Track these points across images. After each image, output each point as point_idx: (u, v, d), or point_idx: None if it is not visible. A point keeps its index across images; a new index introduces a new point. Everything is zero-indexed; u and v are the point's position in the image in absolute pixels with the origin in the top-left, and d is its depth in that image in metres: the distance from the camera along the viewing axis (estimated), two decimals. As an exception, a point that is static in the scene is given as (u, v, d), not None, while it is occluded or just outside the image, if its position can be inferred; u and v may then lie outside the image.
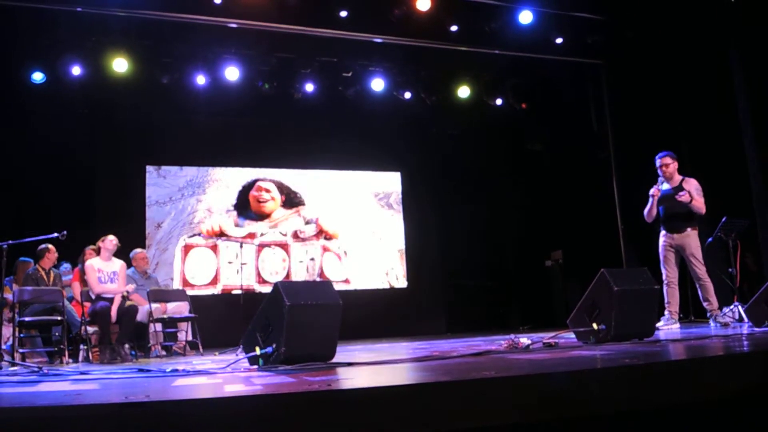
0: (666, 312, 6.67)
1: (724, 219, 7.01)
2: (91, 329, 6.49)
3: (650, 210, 6.74)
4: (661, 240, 6.77)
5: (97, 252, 6.82)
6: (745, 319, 6.08)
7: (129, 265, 7.56)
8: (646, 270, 5.03)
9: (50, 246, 7.04)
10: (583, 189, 10.37)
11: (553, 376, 2.87)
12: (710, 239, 7.27)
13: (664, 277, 6.67)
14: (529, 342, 4.69)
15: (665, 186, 6.75)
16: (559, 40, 9.13)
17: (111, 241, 6.72)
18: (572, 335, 5.09)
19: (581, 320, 4.90)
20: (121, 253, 7.30)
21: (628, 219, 9.43)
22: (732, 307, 6.88)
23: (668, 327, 6.55)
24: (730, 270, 7.11)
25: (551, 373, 2.94)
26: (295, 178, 10.79)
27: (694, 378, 3.09)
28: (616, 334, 4.66)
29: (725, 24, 7.99)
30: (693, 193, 6.56)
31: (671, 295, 6.65)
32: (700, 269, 6.57)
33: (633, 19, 8.77)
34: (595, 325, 4.73)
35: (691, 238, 6.63)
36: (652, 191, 6.71)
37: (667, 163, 6.75)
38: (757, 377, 3.14)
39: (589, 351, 4.14)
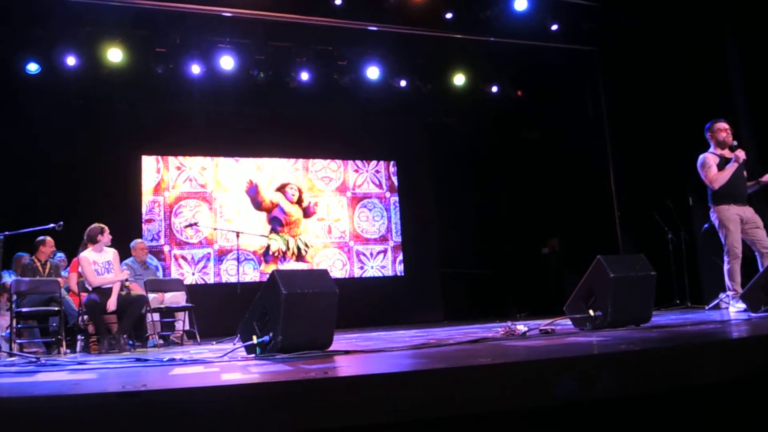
0: (732, 291, 6.11)
1: (720, 205, 7.00)
2: (87, 319, 6.49)
3: (726, 175, 6.05)
4: (729, 211, 6.08)
5: (91, 243, 6.74)
6: (742, 304, 6.09)
7: (128, 255, 7.57)
8: (642, 256, 5.03)
9: (47, 239, 7.02)
10: (579, 176, 10.37)
11: (550, 363, 2.88)
12: (706, 226, 7.29)
13: (734, 252, 6.03)
14: (526, 329, 4.70)
15: (722, 154, 6.22)
16: (554, 27, 9.13)
17: (109, 234, 6.63)
18: (569, 322, 5.10)
19: (578, 307, 4.91)
20: (120, 243, 7.31)
21: (624, 205, 9.45)
22: (728, 292, 6.92)
23: (737, 307, 5.94)
24: (725, 256, 7.12)
25: (547, 359, 2.95)
26: (290, 166, 10.77)
27: (690, 363, 3.10)
28: (613, 321, 4.67)
29: (720, 7, 7.96)
30: None
31: (738, 272, 6.01)
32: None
33: (627, 4, 8.74)
34: (591, 312, 4.74)
35: (753, 210, 6.18)
36: (741, 156, 6.03)
37: (729, 128, 6.22)
38: (754, 362, 3.15)
39: (586, 337, 4.15)
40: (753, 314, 5.31)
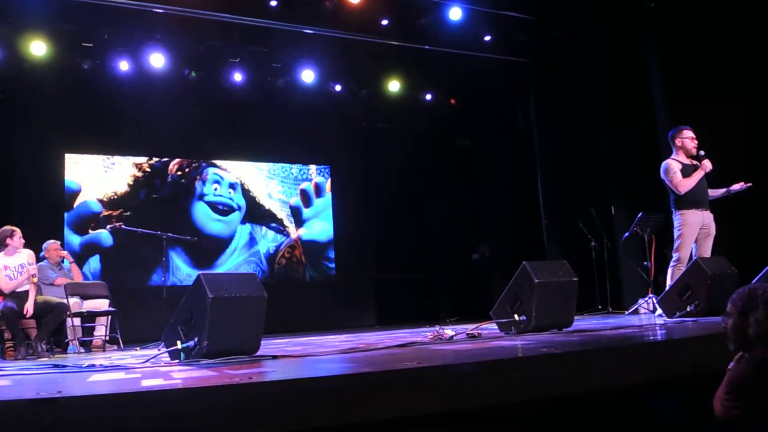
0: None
1: (640, 214, 7.29)
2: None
3: (692, 182, 6.09)
4: (689, 217, 6.11)
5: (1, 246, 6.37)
6: (659, 310, 6.34)
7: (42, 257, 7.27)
8: (565, 262, 5.19)
9: None
10: (508, 184, 10.62)
11: (474, 366, 2.93)
12: (627, 234, 7.56)
13: (680, 257, 6.10)
14: (453, 333, 4.77)
15: (685, 161, 6.24)
16: (487, 38, 9.30)
17: (20, 237, 6.22)
18: (495, 326, 5.21)
19: (504, 312, 5.02)
20: (40, 243, 7.07)
21: (551, 213, 9.71)
22: (647, 298, 7.21)
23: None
24: (645, 263, 7.41)
25: (472, 362, 3.00)
26: (221, 169, 10.61)
27: (608, 366, 3.21)
28: (537, 325, 4.80)
29: (644, 22, 8.30)
30: None
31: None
32: None
33: (558, 19, 9.01)
34: (516, 316, 4.86)
35: (712, 217, 6.23)
36: (708, 166, 6.10)
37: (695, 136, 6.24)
38: (668, 364, 3.28)
39: (510, 341, 4.24)
40: (668, 319, 5.54)
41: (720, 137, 6.95)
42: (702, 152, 6.23)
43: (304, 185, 11.21)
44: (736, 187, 6.20)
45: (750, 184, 6.16)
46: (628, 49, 8.50)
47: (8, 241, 6.17)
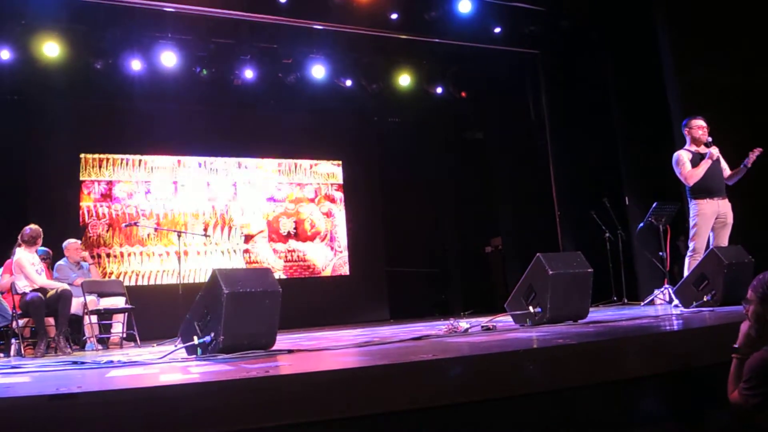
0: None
1: (654, 205, 7.24)
2: (22, 322, 6.27)
3: (700, 172, 6.01)
4: (704, 206, 6.03)
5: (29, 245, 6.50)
6: (675, 300, 6.29)
7: (62, 254, 7.36)
8: (579, 254, 5.16)
9: None
10: (521, 176, 10.58)
11: (489, 358, 2.93)
12: (641, 224, 7.51)
13: (696, 247, 6.00)
14: (468, 326, 4.77)
15: (697, 150, 6.16)
16: (497, 30, 9.27)
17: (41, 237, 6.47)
18: (510, 319, 5.20)
19: (518, 304, 5.01)
20: (58, 243, 7.13)
21: (564, 205, 9.67)
22: (663, 288, 7.17)
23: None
24: (660, 254, 7.36)
25: (487, 354, 3.00)
26: (233, 166, 10.65)
27: (623, 356, 3.20)
28: (552, 317, 4.78)
29: (655, 12, 8.22)
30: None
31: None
32: None
33: (568, 9, 8.96)
34: (531, 308, 4.84)
35: (729, 206, 6.15)
36: (715, 154, 6.03)
37: (706, 126, 6.18)
38: (685, 355, 3.27)
39: (525, 333, 4.23)
40: (685, 309, 5.51)
41: (734, 125, 6.89)
42: (710, 139, 6.15)
43: (315, 181, 11.24)
44: (751, 157, 6.01)
45: (761, 150, 5.96)
46: (640, 37, 8.43)
47: (39, 241, 6.37)
